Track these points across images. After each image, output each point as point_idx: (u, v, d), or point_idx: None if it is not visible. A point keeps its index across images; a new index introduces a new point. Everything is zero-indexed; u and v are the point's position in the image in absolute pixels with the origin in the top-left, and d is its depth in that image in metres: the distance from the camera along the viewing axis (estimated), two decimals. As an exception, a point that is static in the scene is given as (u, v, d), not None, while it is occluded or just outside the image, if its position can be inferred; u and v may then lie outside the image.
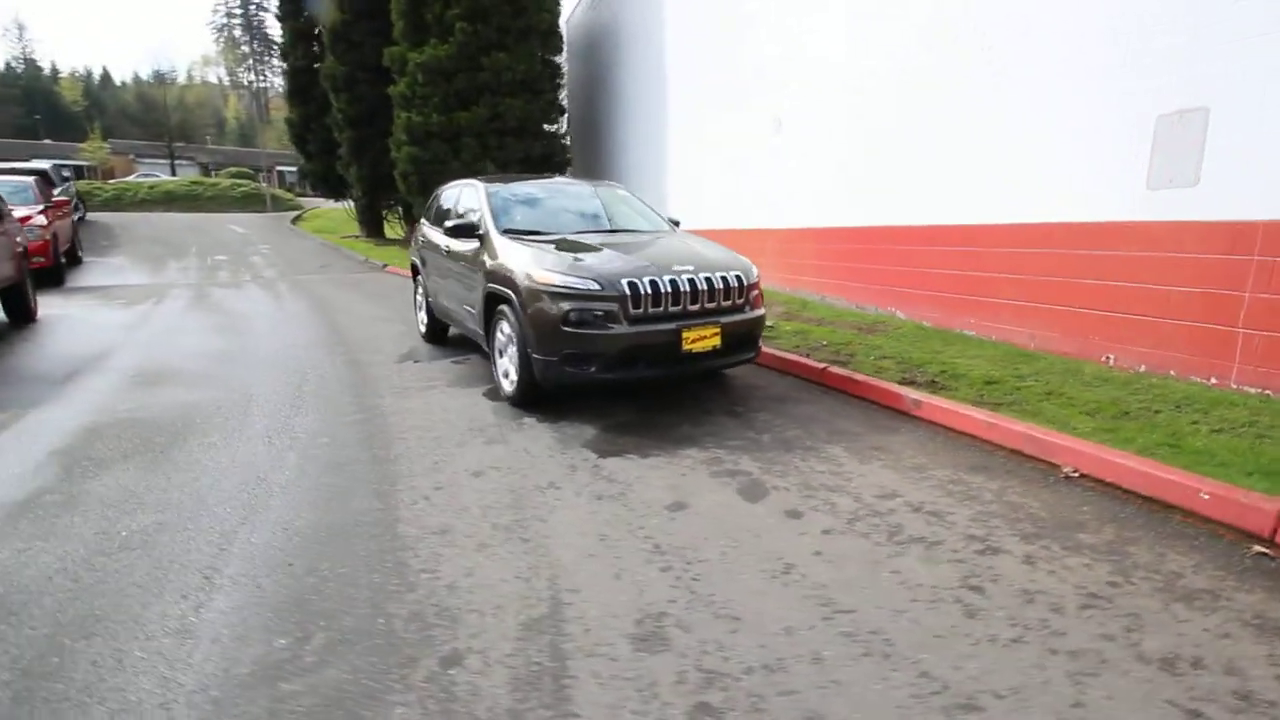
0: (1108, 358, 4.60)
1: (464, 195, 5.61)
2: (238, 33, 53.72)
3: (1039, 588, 2.25)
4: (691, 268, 4.09)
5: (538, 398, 4.29)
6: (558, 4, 14.96)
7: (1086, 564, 2.39)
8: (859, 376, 4.58)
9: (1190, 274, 4.06)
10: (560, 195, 5.51)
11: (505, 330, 4.39)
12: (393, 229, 19.82)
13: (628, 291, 3.83)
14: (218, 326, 7.61)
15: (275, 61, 53.90)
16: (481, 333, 4.83)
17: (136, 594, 2.27)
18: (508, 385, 4.47)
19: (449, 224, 4.97)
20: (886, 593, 2.22)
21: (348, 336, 6.98)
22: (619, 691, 1.78)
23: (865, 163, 6.76)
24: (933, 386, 4.43)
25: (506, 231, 4.72)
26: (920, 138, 6.09)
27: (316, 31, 17.55)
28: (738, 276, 4.21)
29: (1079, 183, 4.70)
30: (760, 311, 4.40)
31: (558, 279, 3.90)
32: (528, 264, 4.11)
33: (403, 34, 14.41)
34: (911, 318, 6.35)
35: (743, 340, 4.28)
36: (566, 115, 16.16)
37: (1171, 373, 4.22)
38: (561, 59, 15.68)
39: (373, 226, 20.33)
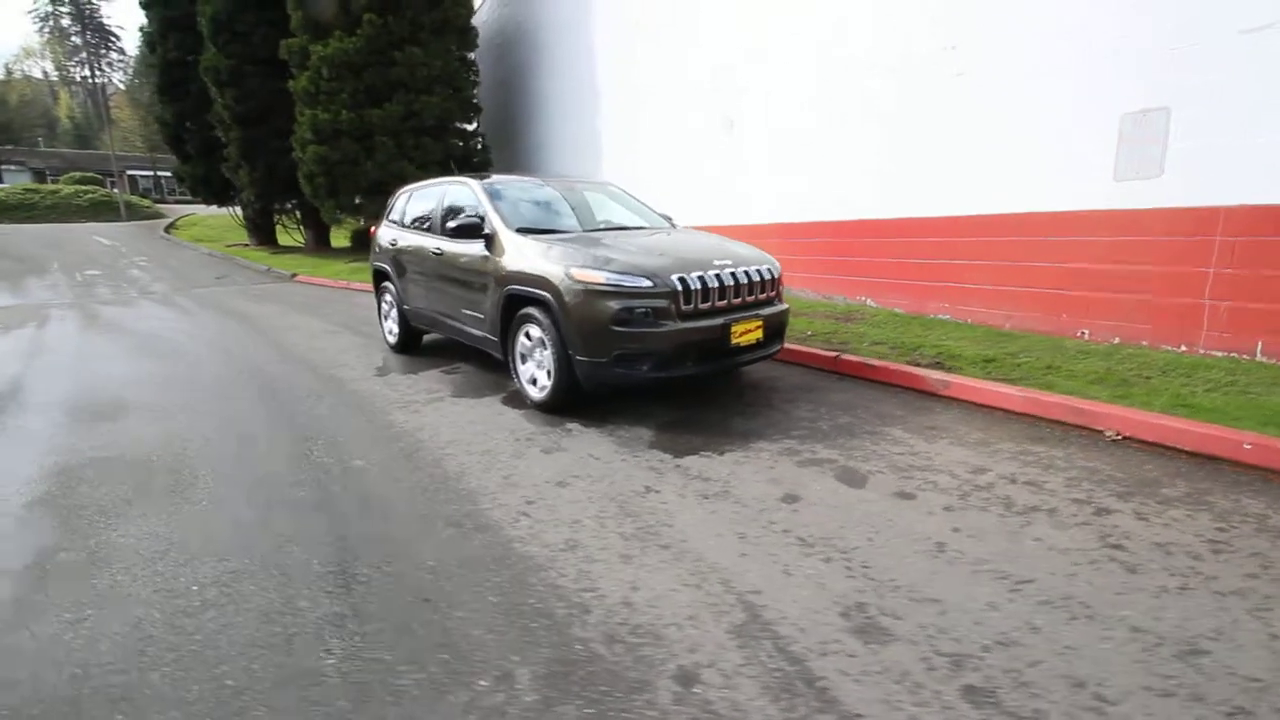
0: (1083, 333, 5.08)
1: (451, 194, 5.28)
2: (66, 22, 47.30)
3: (1166, 539, 2.44)
4: (730, 262, 4.08)
5: (570, 403, 4.12)
6: (471, -1, 14.47)
7: (1188, 515, 2.62)
8: (876, 362, 4.76)
9: (1157, 255, 4.57)
10: (557, 192, 5.31)
11: (533, 334, 4.17)
12: (290, 236, 18.28)
13: (679, 287, 3.76)
14: (136, 349, 6.68)
15: (115, 55, 48.13)
16: (494, 338, 4.57)
17: (264, 655, 1.94)
18: (535, 391, 4.25)
19: (451, 225, 4.65)
20: (1045, 560, 2.32)
21: (300, 352, 6.36)
22: (880, 686, 1.74)
23: (831, 159, 7.05)
24: (938, 368, 4.69)
25: (520, 230, 4.49)
26: (887, 134, 6.44)
27: (192, 21, 15.81)
28: (769, 270, 4.25)
29: (1047, 175, 5.16)
30: (786, 305, 4.47)
31: (604, 277, 3.76)
32: (563, 263, 3.92)
33: (302, 25, 13.35)
34: (883, 306, 6.70)
35: (777, 332, 4.33)
36: (481, 114, 15.60)
37: (1144, 343, 4.73)
38: (474, 56, 15.15)
39: (264, 233, 18.68)
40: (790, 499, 2.86)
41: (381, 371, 5.52)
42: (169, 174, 41.82)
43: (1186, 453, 3.22)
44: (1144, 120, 4.53)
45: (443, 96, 14.01)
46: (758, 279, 4.13)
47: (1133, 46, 4.54)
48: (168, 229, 22.07)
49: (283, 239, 18.88)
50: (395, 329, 6.17)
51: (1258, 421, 3.32)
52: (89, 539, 2.66)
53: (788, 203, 7.62)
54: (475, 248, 4.67)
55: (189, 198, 41.33)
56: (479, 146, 15.02)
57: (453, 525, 2.71)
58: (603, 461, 3.36)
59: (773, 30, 7.50)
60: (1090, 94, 4.80)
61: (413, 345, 6.21)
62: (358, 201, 14.14)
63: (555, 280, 3.89)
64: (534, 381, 4.28)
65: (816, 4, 6.97)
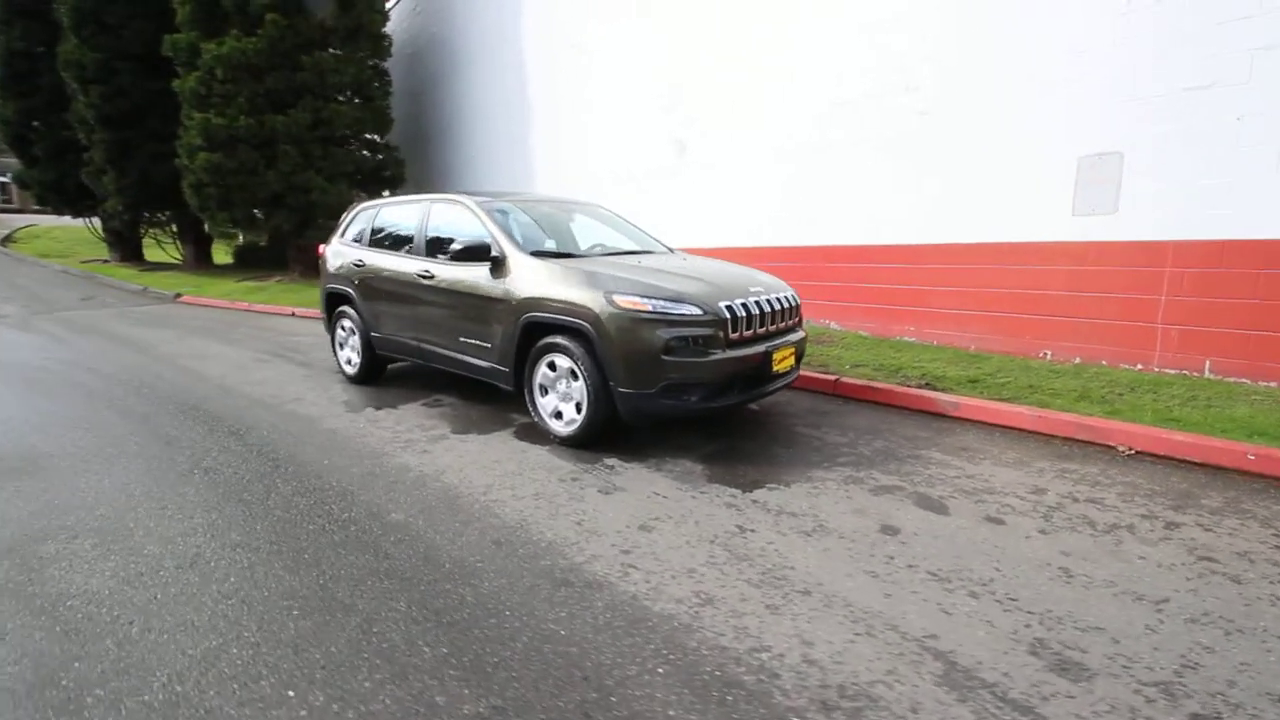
0: (1045, 353, 5.54)
1: (439, 213, 4.87)
2: None
3: (1242, 549, 2.65)
4: (761, 289, 4.05)
5: (598, 437, 3.88)
6: (385, 3, 13.73)
7: (1240, 524, 2.87)
8: (879, 385, 4.91)
9: (1114, 283, 5.09)
10: (555, 213, 5.08)
11: (559, 365, 3.90)
12: (163, 251, 16.24)
13: (727, 315, 3.67)
14: (14, 384, 5.59)
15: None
16: (505, 369, 4.24)
17: (430, 771, 1.60)
18: (560, 426, 3.97)
19: (455, 247, 4.28)
20: (1162, 578, 2.44)
21: (234, 385, 5.61)
22: (1121, 727, 1.72)
23: (793, 186, 7.29)
24: (929, 388, 4.92)
25: (535, 254, 4.22)
26: (848, 164, 6.75)
27: (44, 7, 13.78)
28: (793, 297, 4.27)
29: (1009, 208, 5.61)
30: (805, 331, 4.50)
31: (652, 304, 3.59)
32: (599, 289, 3.71)
33: (190, 20, 12.05)
34: (848, 329, 6.97)
35: (800, 358, 4.34)
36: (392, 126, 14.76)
37: (1104, 362, 5.22)
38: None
39: (130, 248, 16.53)
40: (889, 530, 2.83)
41: (352, 406, 4.96)
42: (-10, 177, 35.93)
43: (1195, 464, 3.55)
44: (1100, 162, 5.04)
45: (354, 105, 13.16)
46: (786, 306, 4.13)
47: (1089, 97, 5.06)
48: (4, 241, 18.91)
49: (152, 254, 16.77)
50: (356, 358, 5.60)
51: (1245, 433, 3.73)
52: (103, 639, 2.11)
53: (748, 227, 7.78)
54: (477, 272, 4.33)
55: (14, 205, 35.74)
56: (396, 159, 14.19)
57: (561, 584, 2.42)
58: (672, 500, 3.18)
59: (732, 56, 7.69)
60: (1050, 136, 5.30)
61: (376, 376, 5.66)
62: (256, 215, 12.89)
63: (595, 308, 3.66)
64: (558, 415, 4.00)
65: (777, 33, 7.23)
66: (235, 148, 11.94)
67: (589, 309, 3.69)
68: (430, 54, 14.58)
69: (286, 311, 10.43)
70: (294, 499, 3.24)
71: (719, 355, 3.64)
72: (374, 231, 5.46)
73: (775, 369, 3.91)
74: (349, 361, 5.73)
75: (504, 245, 4.26)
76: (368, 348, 5.43)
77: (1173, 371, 4.89)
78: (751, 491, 3.27)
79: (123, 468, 3.65)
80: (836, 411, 4.68)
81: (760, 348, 3.82)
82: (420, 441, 4.11)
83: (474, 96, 13.12)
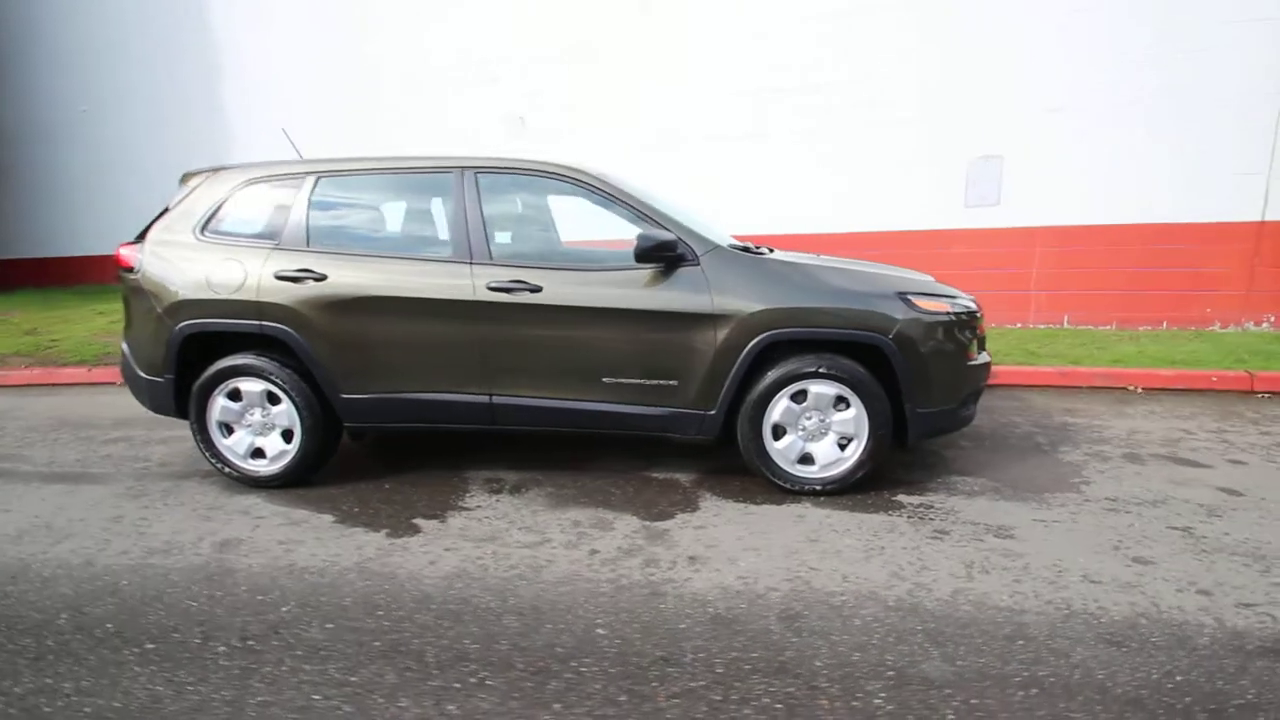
0: (946, 323, 6.60)
1: (501, 191, 3.14)
2: None
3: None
4: (928, 279, 3.82)
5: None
6: None
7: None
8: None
9: (997, 259, 6.36)
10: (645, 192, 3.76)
11: (815, 394, 2.96)
12: None
13: (979, 310, 3.35)
14: None
15: None
16: (707, 413, 3.02)
17: None
18: (813, 472, 3.03)
19: (643, 245, 2.78)
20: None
21: (52, 558, 2.71)
22: None
23: (681, 178, 6.96)
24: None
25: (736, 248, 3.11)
26: (740, 158, 6.79)
27: None
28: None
29: (911, 203, 6.47)
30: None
31: (949, 304, 3.05)
32: (889, 289, 2.99)
33: None
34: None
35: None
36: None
37: (992, 325, 6.49)
38: None
39: None
40: None
41: (383, 527, 2.88)
42: None
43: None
44: (984, 164, 6.21)
45: None
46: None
47: (975, 110, 6.15)
48: None
49: None
50: (286, 445, 3.24)
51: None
52: None
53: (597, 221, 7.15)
54: (633, 279, 2.98)
55: None
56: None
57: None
58: (1134, 528, 2.74)
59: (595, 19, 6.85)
60: (940, 142, 6.28)
61: (322, 465, 3.37)
62: None
63: (896, 314, 2.90)
64: (807, 460, 3.05)
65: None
66: None
67: (886, 316, 2.90)
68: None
69: None
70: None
71: (988, 354, 3.34)
72: (317, 221, 3.17)
73: (986, 369, 3.75)
74: (257, 452, 3.25)
75: (690, 236, 3.00)
76: (326, 420, 3.18)
77: (1042, 326, 6.41)
78: (1145, 535, 2.78)
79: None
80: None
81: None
82: (645, 552, 2.63)
83: (63, 25, 8.63)
